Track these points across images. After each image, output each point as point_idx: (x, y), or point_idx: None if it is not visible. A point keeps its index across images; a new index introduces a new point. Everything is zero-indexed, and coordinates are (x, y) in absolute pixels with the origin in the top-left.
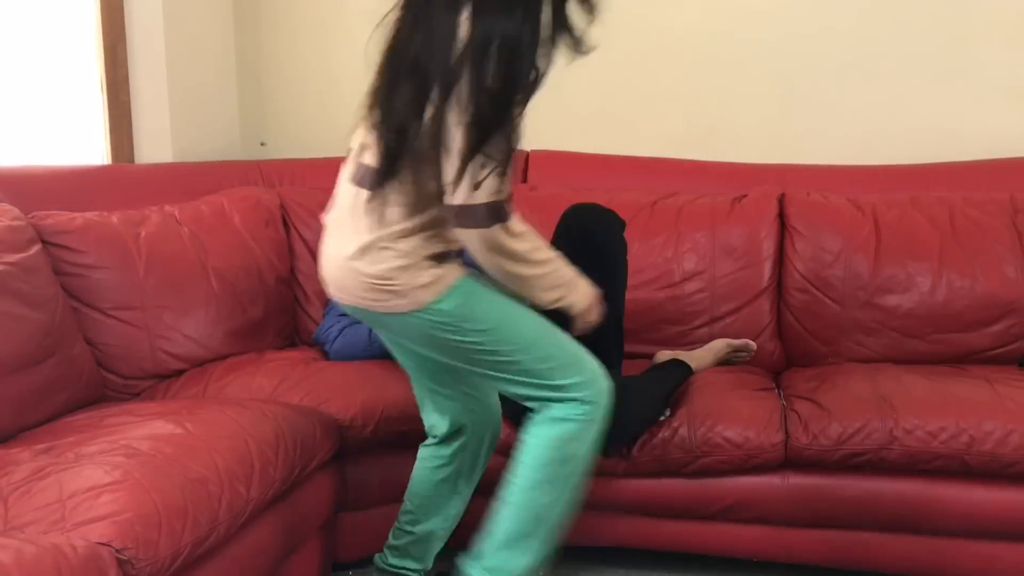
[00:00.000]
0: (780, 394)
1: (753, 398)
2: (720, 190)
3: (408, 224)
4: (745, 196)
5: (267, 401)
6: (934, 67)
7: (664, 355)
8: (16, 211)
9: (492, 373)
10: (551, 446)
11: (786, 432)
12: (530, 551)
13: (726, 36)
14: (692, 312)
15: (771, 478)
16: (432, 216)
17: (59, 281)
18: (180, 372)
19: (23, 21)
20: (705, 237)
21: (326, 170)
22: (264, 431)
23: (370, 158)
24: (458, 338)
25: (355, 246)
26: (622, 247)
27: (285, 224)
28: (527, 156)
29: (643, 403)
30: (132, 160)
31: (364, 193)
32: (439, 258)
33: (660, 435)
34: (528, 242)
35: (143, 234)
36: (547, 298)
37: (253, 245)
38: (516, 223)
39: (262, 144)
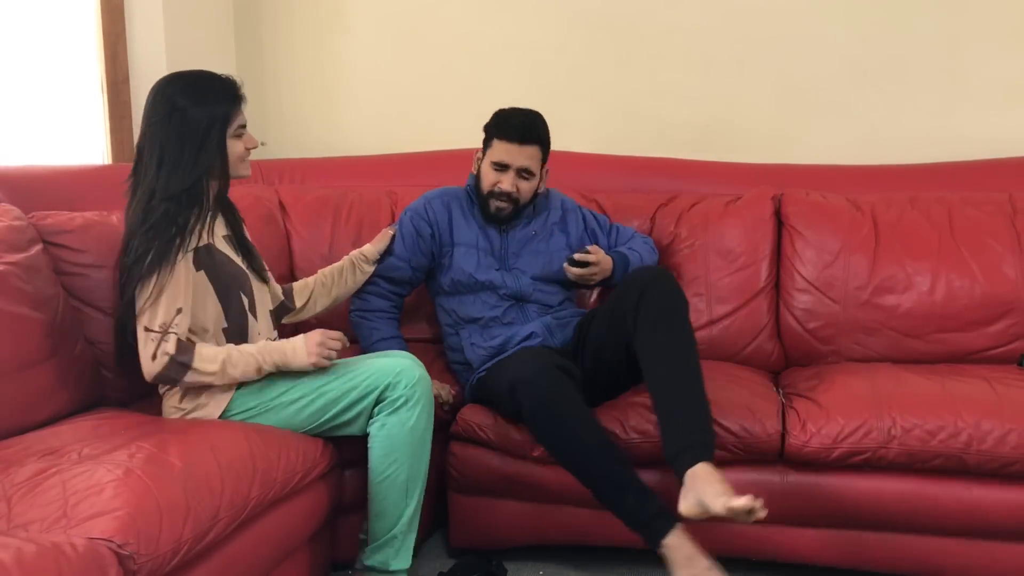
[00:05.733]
0: (779, 392)
1: (753, 391)
2: (719, 190)
3: None
4: (739, 197)
5: None
6: (934, 67)
7: None
8: (17, 211)
9: None
10: None
11: (784, 427)
12: None
13: (726, 36)
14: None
15: (770, 476)
16: None
17: (60, 281)
18: None
19: (23, 21)
20: (702, 238)
21: (326, 170)
22: (267, 437)
23: None
24: None
25: None
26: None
27: (284, 223)
28: None
29: None
30: (132, 160)
31: None
32: None
33: (656, 420)
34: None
35: None
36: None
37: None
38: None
39: (262, 144)
